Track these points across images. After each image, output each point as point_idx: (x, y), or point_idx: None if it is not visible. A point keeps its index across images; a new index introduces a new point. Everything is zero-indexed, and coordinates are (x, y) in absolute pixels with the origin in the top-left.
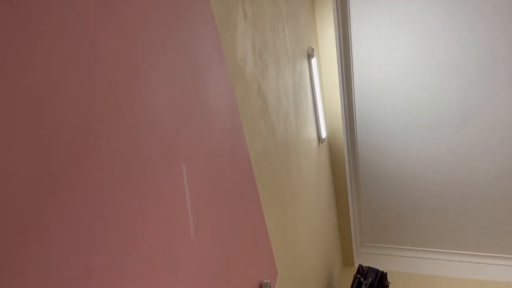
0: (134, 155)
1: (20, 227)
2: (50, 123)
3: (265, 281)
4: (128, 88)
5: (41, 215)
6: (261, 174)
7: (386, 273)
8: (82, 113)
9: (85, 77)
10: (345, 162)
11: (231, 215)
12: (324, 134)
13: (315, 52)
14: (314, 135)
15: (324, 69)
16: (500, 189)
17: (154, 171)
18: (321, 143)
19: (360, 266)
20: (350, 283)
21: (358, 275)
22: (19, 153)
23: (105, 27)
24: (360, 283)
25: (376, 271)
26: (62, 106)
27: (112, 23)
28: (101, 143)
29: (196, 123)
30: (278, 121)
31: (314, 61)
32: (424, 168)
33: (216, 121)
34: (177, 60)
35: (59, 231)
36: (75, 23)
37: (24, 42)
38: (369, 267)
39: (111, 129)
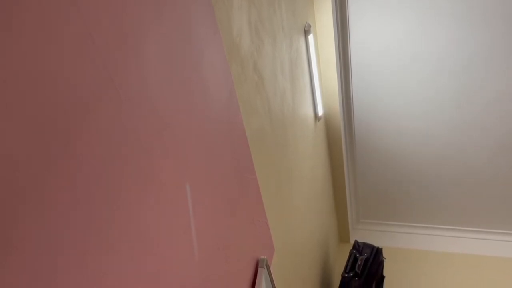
0: (129, 133)
1: (20, 204)
2: (42, 97)
3: (262, 257)
4: (122, 63)
5: (39, 192)
6: (258, 151)
7: (381, 249)
8: (77, 89)
9: (77, 54)
10: (342, 139)
11: (228, 193)
12: (320, 112)
13: (312, 29)
14: (310, 113)
15: (321, 46)
16: (496, 166)
17: (149, 148)
18: (318, 120)
19: (356, 242)
20: (346, 258)
21: (354, 251)
22: (13, 129)
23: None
24: (356, 259)
25: (372, 247)
26: (53, 81)
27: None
28: (96, 121)
29: (192, 100)
30: (275, 98)
31: (311, 37)
32: (421, 145)
33: (213, 98)
34: (171, 36)
35: (58, 204)
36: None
37: (9, 13)
38: (364, 243)
39: (104, 105)
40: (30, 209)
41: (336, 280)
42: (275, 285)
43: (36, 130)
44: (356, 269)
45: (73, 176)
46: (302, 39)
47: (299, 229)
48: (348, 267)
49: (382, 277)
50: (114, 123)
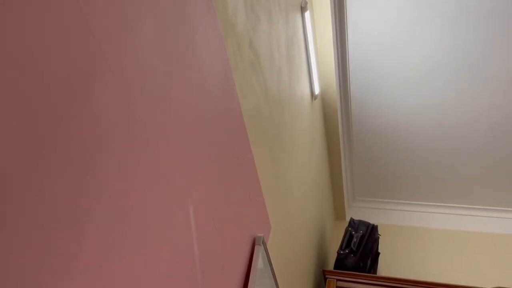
0: (124, 111)
1: (14, 187)
2: (36, 81)
3: (258, 235)
4: (116, 41)
5: (34, 174)
6: (254, 130)
7: (376, 226)
8: (70, 69)
9: (70, 32)
10: (338, 118)
11: (225, 171)
12: (317, 90)
13: (308, 5)
14: (307, 91)
15: (318, 23)
16: (491, 144)
17: (146, 127)
18: (314, 99)
19: (352, 220)
20: (342, 236)
21: (350, 228)
22: (7, 112)
23: None
24: (351, 236)
25: (367, 224)
26: (48, 62)
27: None
28: (90, 99)
29: (187, 79)
30: (271, 76)
31: (307, 14)
32: (417, 123)
33: (208, 76)
34: (163, 11)
35: (53, 188)
36: None
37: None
38: (360, 221)
39: (99, 85)
40: (23, 194)
41: (332, 257)
42: (272, 262)
43: (28, 111)
44: (352, 246)
45: (71, 151)
46: (299, 16)
47: (295, 207)
48: (344, 244)
49: (378, 254)
50: (107, 102)
